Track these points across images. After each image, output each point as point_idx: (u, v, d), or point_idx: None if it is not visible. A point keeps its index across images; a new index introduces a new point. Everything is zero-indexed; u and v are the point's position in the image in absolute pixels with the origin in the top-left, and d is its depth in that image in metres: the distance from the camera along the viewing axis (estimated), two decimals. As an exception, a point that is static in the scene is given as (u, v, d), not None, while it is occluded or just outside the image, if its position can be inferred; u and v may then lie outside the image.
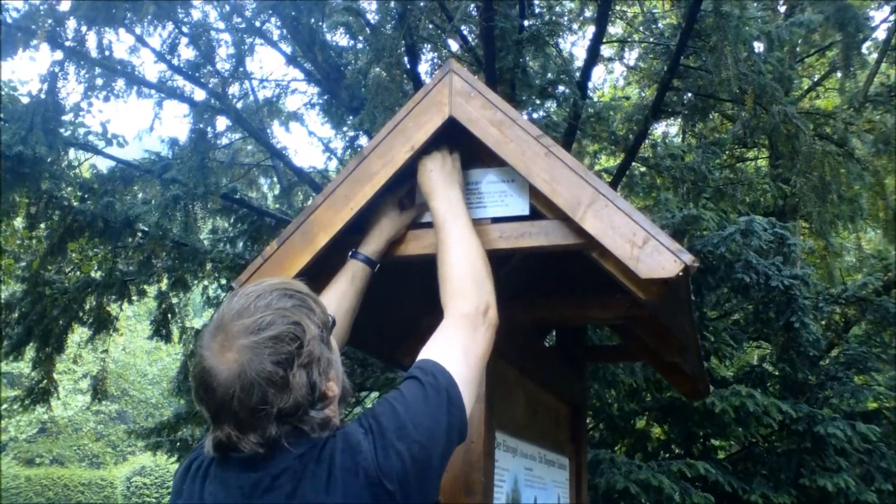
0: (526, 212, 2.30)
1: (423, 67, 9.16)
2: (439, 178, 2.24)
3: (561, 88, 8.79)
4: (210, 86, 9.12)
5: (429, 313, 2.65)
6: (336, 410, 1.65)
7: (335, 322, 1.72)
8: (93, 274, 9.64)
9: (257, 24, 9.55)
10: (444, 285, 2.01)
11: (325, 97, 10.15)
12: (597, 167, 11.20)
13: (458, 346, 1.81)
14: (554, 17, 8.36)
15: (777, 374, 8.50)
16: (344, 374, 1.72)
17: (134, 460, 24.76)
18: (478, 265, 2.02)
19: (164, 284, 9.93)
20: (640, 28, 10.93)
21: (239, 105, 9.84)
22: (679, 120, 11.43)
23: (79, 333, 10.94)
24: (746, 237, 7.27)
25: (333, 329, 1.69)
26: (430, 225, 2.31)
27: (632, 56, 12.25)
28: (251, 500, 1.48)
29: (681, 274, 2.00)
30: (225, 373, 1.47)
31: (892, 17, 11.11)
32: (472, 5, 8.18)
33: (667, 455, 8.56)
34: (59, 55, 7.86)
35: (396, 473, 1.49)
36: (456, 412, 1.66)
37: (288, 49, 10.13)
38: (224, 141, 11.14)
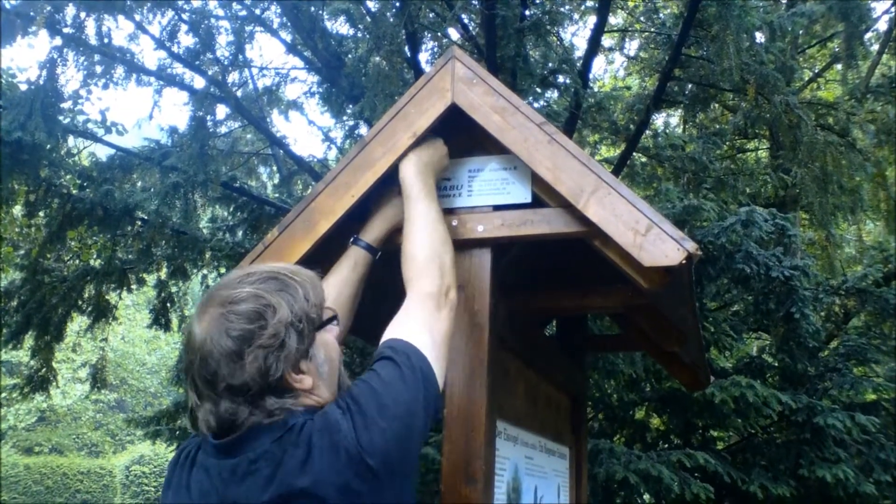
0: (528, 199, 2.29)
1: (423, 56, 9.16)
2: (417, 158, 2.25)
3: (562, 78, 8.77)
4: (210, 74, 9.09)
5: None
6: (317, 402, 1.59)
7: (336, 319, 1.71)
8: (92, 262, 9.62)
9: (257, 11, 9.52)
10: (408, 263, 2.03)
11: (325, 86, 10.12)
12: (597, 157, 11.18)
13: (424, 326, 1.84)
14: (555, 7, 8.33)
15: (777, 364, 8.49)
16: (343, 372, 1.71)
17: (133, 449, 24.78)
18: (444, 248, 2.05)
19: (163, 273, 9.92)
20: (641, 18, 10.90)
21: (239, 93, 9.81)
22: (680, 110, 11.44)
23: (78, 322, 10.94)
24: (747, 228, 7.25)
25: (329, 325, 1.67)
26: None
27: (632, 46, 12.24)
28: (229, 486, 1.49)
29: (684, 262, 1.98)
30: (197, 339, 1.51)
31: (893, 9, 11.07)
32: (473, -7, 8.16)
33: (666, 445, 8.57)
34: (58, 42, 7.83)
35: (379, 450, 1.49)
36: (432, 390, 1.69)
37: (288, 37, 10.10)
38: (224, 129, 11.12)
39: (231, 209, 10.19)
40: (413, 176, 2.20)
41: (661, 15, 10.35)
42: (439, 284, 1.95)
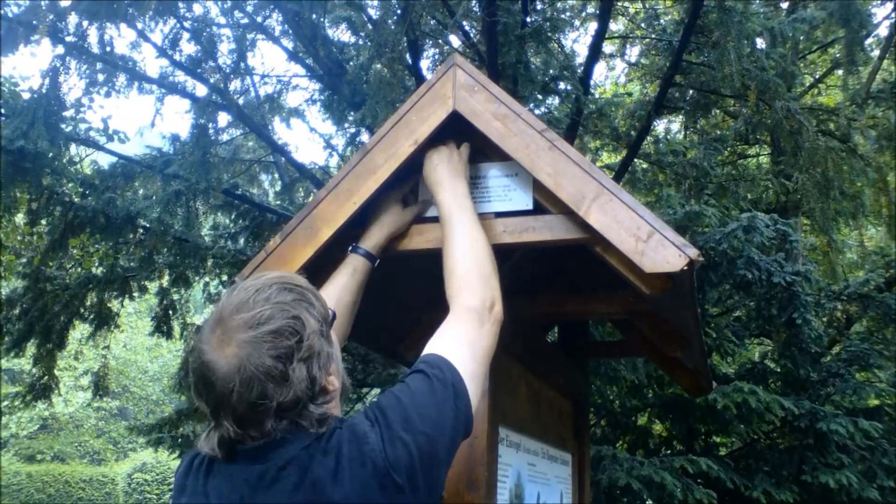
0: (529, 206, 2.29)
1: (424, 63, 9.19)
2: (445, 171, 2.23)
3: (563, 85, 8.78)
4: (211, 81, 9.11)
5: (431, 309, 2.65)
6: (337, 405, 1.64)
7: (335, 316, 1.71)
8: (94, 270, 9.62)
9: (259, 19, 9.55)
10: (449, 279, 1.99)
11: (327, 93, 10.14)
12: (598, 164, 11.18)
13: (464, 341, 1.80)
14: (556, 13, 8.35)
15: (779, 370, 8.49)
16: (344, 370, 1.72)
17: (135, 457, 24.79)
18: (484, 260, 2.01)
19: (165, 281, 9.92)
20: (643, 24, 10.92)
21: (240, 101, 9.83)
22: (681, 116, 11.44)
23: (80, 330, 10.94)
24: (748, 233, 7.26)
25: (333, 323, 1.68)
26: (433, 220, 2.30)
27: (633, 52, 12.25)
28: (256, 493, 1.47)
29: (685, 268, 1.98)
30: (224, 367, 1.46)
31: (894, 14, 11.10)
32: (474, 1, 8.17)
33: (668, 451, 8.57)
34: (60, 50, 7.85)
35: (404, 465, 1.48)
36: (462, 406, 1.65)
37: (289, 45, 10.12)
38: (225, 137, 11.14)
39: (233, 216, 10.20)
40: (445, 194, 2.18)
41: (661, 21, 10.36)
42: (482, 298, 1.91)
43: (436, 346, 1.77)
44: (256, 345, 1.46)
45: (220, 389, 1.46)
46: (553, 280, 3.21)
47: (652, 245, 2.01)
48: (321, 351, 1.54)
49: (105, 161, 9.69)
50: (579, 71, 8.59)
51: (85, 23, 7.79)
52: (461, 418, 1.65)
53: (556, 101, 9.46)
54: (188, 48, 9.18)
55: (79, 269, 9.78)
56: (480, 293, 1.92)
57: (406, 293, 2.90)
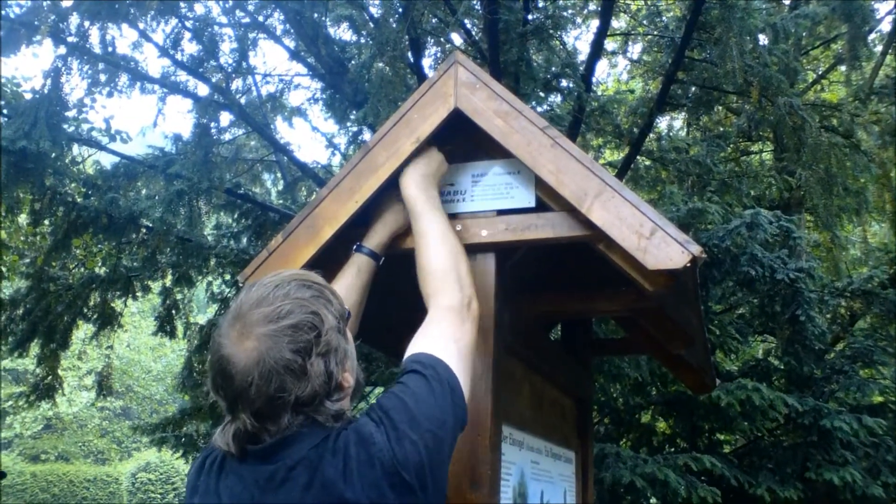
0: (532, 204, 2.29)
1: (426, 62, 9.17)
2: (417, 173, 2.25)
3: (565, 82, 8.78)
4: (213, 81, 9.11)
5: (434, 306, 2.64)
6: (348, 402, 1.65)
7: (350, 314, 1.72)
8: (97, 270, 9.62)
9: (260, 18, 9.54)
10: (425, 278, 2.03)
11: (329, 92, 10.13)
12: (601, 161, 11.17)
13: (449, 339, 1.84)
14: (557, 11, 8.33)
15: (782, 367, 8.47)
16: (358, 367, 1.72)
17: (139, 456, 24.82)
18: (459, 259, 2.05)
19: (168, 280, 9.92)
20: (644, 21, 10.90)
21: (242, 100, 9.82)
22: (684, 113, 11.42)
23: (83, 330, 10.95)
24: (752, 230, 7.25)
25: (349, 321, 1.69)
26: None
27: (635, 49, 12.25)
28: (266, 493, 1.48)
29: (688, 265, 1.98)
30: (244, 360, 1.47)
31: (896, 9, 11.07)
32: (476, -2, 8.16)
33: (672, 449, 8.56)
34: (62, 51, 7.85)
35: (413, 464, 1.49)
36: (459, 402, 1.69)
37: (291, 44, 10.11)
38: (227, 136, 11.13)
39: (235, 216, 10.20)
40: (415, 190, 2.19)
41: (663, 18, 10.34)
42: (460, 297, 1.95)
43: (423, 345, 1.80)
44: (276, 338, 1.47)
45: (239, 383, 1.47)
46: (556, 278, 3.20)
47: (655, 242, 2.01)
48: (338, 347, 1.56)
49: (107, 161, 9.71)
50: (581, 68, 8.57)
51: (86, 23, 7.79)
52: (459, 415, 1.68)
53: (558, 98, 9.46)
54: (190, 48, 9.19)
55: (82, 269, 9.79)
56: (458, 292, 1.96)
57: (410, 291, 2.89)
